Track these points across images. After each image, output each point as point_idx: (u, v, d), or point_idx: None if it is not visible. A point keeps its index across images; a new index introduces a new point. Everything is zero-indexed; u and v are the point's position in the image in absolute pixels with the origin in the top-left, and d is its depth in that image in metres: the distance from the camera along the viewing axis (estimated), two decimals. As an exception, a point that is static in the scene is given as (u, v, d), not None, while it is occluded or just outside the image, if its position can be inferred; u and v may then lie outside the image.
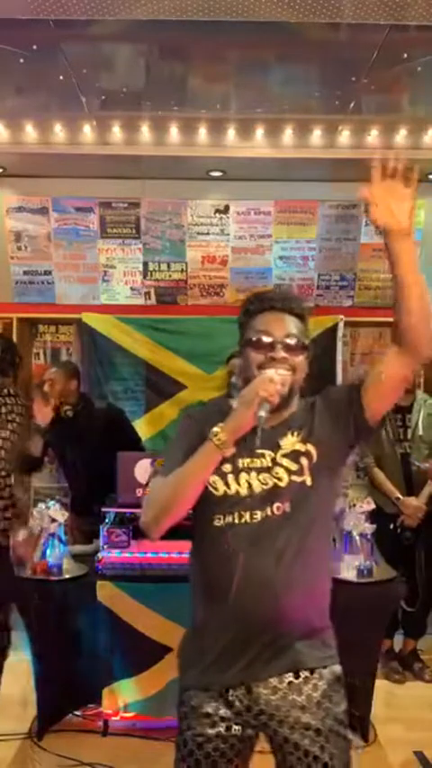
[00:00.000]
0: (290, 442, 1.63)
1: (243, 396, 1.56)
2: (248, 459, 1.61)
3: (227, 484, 1.61)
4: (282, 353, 1.60)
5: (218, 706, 1.59)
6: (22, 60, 3.08)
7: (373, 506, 3.17)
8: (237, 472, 1.61)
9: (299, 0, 2.62)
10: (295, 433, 1.64)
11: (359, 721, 2.96)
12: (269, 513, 1.58)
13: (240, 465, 1.61)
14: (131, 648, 2.95)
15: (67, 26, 2.81)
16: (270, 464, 1.61)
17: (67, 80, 3.27)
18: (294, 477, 1.60)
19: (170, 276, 4.73)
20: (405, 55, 3.03)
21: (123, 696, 2.98)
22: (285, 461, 1.61)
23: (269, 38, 2.91)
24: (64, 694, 3.04)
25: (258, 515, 1.58)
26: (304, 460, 1.61)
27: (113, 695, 2.98)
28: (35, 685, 3.00)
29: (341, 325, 4.64)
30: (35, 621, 2.96)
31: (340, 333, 4.64)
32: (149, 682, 2.95)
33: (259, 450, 1.59)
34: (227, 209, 4.61)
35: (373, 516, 3.14)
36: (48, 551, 3.00)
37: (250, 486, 1.60)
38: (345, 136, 3.88)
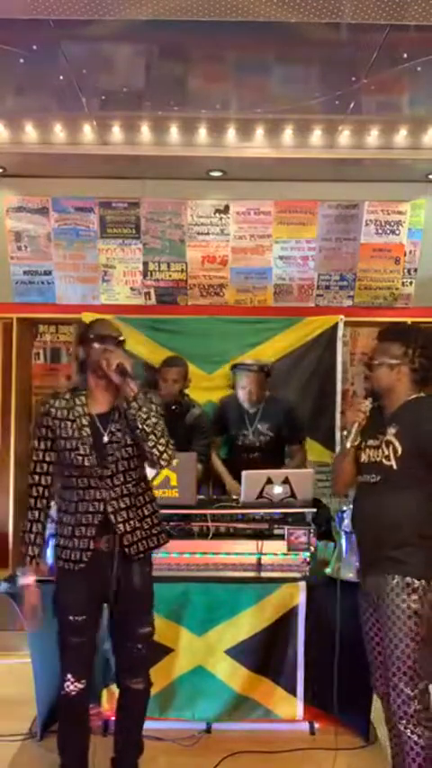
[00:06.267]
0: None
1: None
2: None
3: None
4: None
5: None
6: (22, 60, 3.08)
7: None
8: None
9: (299, 0, 2.63)
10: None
11: (359, 721, 2.96)
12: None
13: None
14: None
15: (67, 26, 2.81)
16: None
17: (67, 80, 3.27)
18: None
19: (170, 276, 4.72)
20: (405, 55, 3.03)
21: (123, 696, 2.98)
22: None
23: (269, 38, 2.91)
24: (64, 694, 3.03)
25: None
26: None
27: (113, 695, 2.98)
28: (35, 685, 3.00)
29: (341, 325, 4.64)
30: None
31: (340, 333, 4.65)
32: (149, 682, 2.95)
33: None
34: (227, 209, 4.61)
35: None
36: (48, 551, 3.00)
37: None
38: (345, 136, 3.88)
